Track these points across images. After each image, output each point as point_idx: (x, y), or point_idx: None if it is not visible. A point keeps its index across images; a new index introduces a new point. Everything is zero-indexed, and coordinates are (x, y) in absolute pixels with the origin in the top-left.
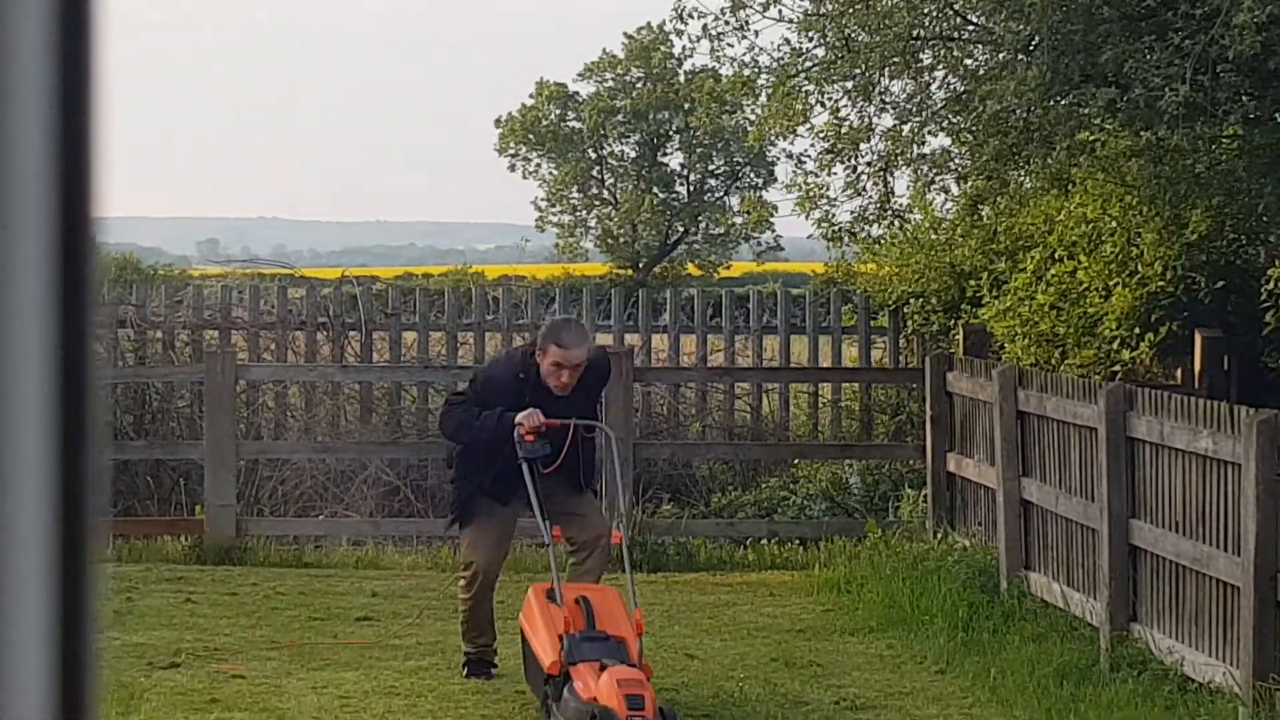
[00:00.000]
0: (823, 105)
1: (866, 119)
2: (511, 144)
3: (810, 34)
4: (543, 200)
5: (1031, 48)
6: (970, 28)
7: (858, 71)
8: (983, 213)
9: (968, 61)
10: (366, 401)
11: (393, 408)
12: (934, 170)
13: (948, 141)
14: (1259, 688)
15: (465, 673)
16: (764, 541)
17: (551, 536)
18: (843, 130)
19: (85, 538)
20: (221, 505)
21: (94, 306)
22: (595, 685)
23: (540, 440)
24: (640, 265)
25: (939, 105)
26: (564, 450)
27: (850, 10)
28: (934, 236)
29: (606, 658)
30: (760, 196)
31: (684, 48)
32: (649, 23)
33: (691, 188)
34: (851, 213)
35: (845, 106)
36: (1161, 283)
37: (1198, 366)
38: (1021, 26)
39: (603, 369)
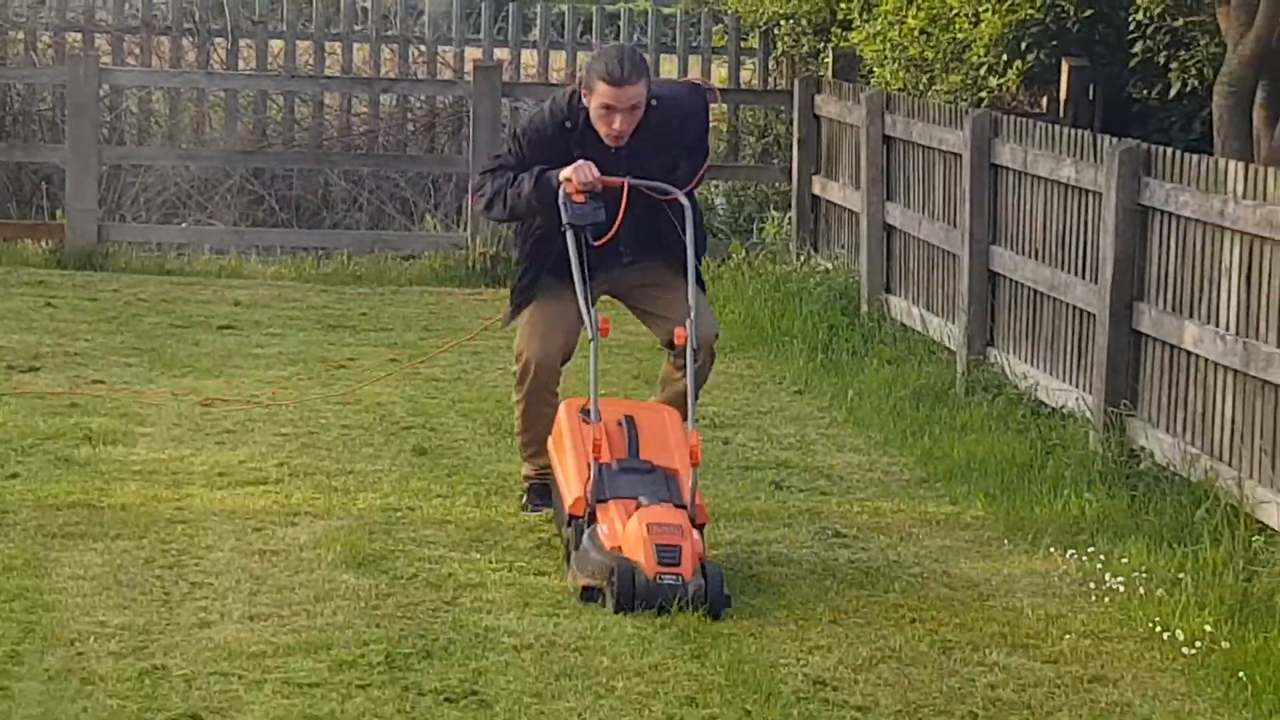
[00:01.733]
0: None
1: None
2: None
3: None
4: None
5: None
6: None
7: None
8: None
9: None
10: (231, 109)
11: (258, 116)
12: None
13: None
14: (1110, 413)
15: (524, 503)
16: None
17: (598, 329)
18: None
19: None
20: (83, 210)
21: None
22: (622, 531)
23: (593, 202)
24: None
25: None
26: (619, 218)
27: None
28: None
29: (646, 494)
30: None
31: None
32: None
33: None
34: None
35: None
36: (1031, 10)
37: (1063, 95)
38: None
39: (693, 109)
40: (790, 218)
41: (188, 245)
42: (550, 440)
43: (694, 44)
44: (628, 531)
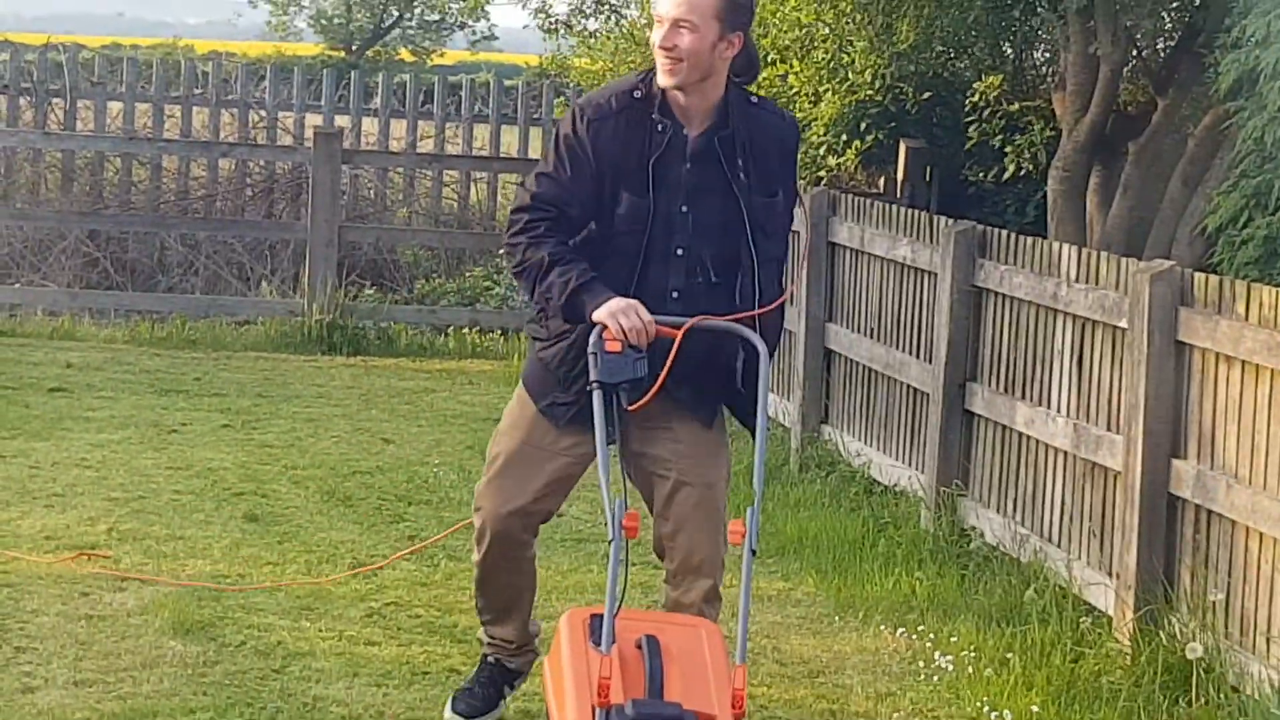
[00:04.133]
0: None
1: None
2: None
3: None
4: None
5: None
6: None
7: None
8: None
9: None
10: (68, 170)
11: (95, 178)
12: None
13: None
14: (942, 492)
15: (457, 693)
16: (465, 330)
17: (621, 527)
18: None
19: None
20: None
21: None
22: None
23: (631, 354)
24: (353, 47)
25: None
26: (667, 367)
27: None
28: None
29: None
30: None
31: None
32: None
33: None
34: (568, 5)
35: None
36: (870, 91)
37: (900, 176)
38: None
39: (786, 132)
40: None
41: (20, 306)
42: (547, 661)
43: (535, 116)
44: None
